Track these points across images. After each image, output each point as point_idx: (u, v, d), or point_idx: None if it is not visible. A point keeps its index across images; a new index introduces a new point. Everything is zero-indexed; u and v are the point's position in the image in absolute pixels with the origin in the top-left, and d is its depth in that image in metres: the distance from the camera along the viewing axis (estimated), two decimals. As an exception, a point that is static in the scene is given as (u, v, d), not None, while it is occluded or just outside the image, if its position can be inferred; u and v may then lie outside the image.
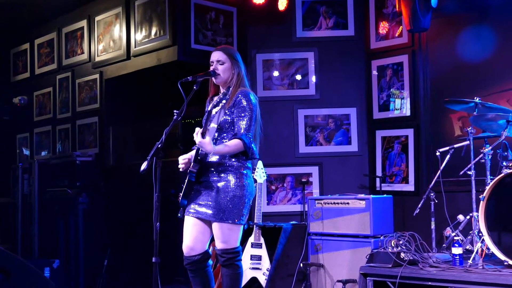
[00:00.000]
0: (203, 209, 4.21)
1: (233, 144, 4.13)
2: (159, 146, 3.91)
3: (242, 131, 4.18)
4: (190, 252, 4.28)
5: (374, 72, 6.66)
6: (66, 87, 8.29)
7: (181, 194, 4.22)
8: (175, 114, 4.05)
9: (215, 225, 4.19)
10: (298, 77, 6.81)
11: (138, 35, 6.99)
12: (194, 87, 4.17)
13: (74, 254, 6.71)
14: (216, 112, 4.32)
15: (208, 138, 3.99)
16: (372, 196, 5.64)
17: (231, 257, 4.20)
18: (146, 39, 6.88)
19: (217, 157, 4.23)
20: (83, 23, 7.94)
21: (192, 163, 4.20)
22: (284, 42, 6.86)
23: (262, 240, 5.84)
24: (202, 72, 4.28)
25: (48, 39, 8.66)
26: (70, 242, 6.78)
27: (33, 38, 8.95)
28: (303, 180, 6.58)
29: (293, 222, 6.13)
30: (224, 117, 4.20)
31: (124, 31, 7.20)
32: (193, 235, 4.27)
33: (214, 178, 4.22)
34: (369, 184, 6.62)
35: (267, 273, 5.71)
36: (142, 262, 5.69)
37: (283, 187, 6.71)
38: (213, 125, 4.26)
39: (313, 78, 6.78)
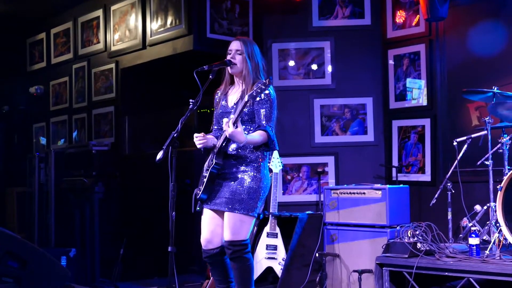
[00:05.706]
0: (219, 200, 4.15)
1: (259, 134, 4.05)
2: (175, 135, 3.91)
3: (264, 121, 4.11)
4: (207, 246, 4.22)
5: (391, 62, 6.62)
6: (82, 77, 8.32)
7: (202, 188, 4.15)
8: (191, 103, 4.03)
9: (226, 215, 4.12)
10: (314, 66, 6.78)
11: (153, 25, 6.99)
12: (210, 76, 4.14)
13: (90, 243, 6.75)
14: (234, 104, 4.25)
15: (240, 128, 3.91)
16: (388, 186, 5.59)
17: (238, 250, 4.09)
18: (162, 29, 6.88)
19: (236, 148, 4.16)
20: (99, 12, 7.95)
21: (215, 155, 4.13)
22: (300, 32, 6.83)
23: (277, 230, 5.84)
24: (218, 61, 4.24)
25: (64, 29, 8.68)
26: (86, 231, 6.82)
27: (49, 27, 8.98)
28: (319, 170, 6.57)
29: (309, 212, 6.10)
30: (244, 109, 4.02)
31: (139, 20, 7.20)
32: (210, 228, 4.22)
33: (232, 170, 4.15)
34: (385, 174, 6.60)
35: (283, 262, 5.70)
36: (158, 251, 5.71)
37: (299, 177, 6.70)
38: (232, 117, 4.10)
39: (329, 68, 6.74)
